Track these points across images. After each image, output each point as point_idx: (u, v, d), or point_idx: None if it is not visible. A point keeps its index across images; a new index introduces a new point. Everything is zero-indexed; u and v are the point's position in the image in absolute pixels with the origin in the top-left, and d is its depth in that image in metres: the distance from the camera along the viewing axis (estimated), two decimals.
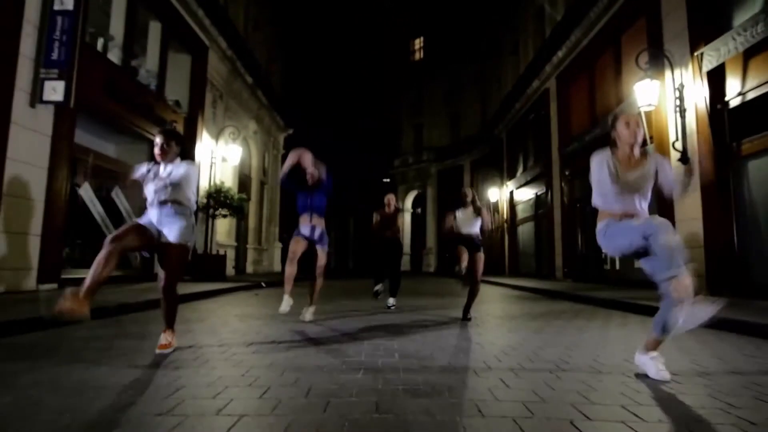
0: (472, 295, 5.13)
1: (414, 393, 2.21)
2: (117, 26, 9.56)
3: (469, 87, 27.06)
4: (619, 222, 2.66)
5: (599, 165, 2.70)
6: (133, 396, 2.11)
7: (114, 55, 9.37)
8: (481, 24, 24.13)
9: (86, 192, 8.50)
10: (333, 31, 30.08)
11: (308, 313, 4.76)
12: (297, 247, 4.71)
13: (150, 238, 3.03)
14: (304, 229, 4.77)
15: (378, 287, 6.66)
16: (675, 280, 2.31)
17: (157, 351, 3.04)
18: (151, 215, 3.10)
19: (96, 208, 8.76)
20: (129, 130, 9.55)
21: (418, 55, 31.49)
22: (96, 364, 2.75)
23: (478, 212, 5.25)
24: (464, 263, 5.01)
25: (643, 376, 2.54)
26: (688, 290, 2.28)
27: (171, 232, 3.07)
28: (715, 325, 4.56)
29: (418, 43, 31.39)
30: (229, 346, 3.36)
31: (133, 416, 1.84)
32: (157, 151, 3.16)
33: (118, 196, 9.41)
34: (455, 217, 5.34)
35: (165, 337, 3.14)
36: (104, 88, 8.48)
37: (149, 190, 3.12)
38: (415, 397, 2.15)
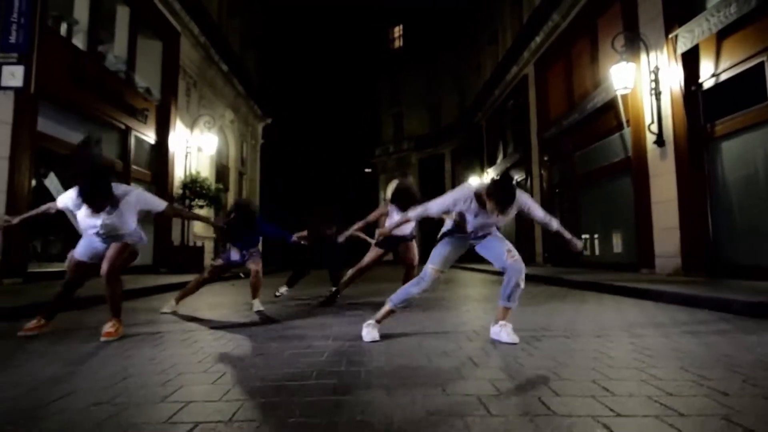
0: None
1: (377, 373, 2.12)
2: (81, 10, 9.17)
3: (449, 75, 26.92)
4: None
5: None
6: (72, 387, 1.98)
7: (79, 40, 9.00)
8: (460, 10, 23.97)
9: (52, 182, 8.19)
10: (311, 17, 29.62)
11: (257, 304, 4.72)
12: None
13: None
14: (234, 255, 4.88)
15: (284, 291, 6.01)
16: None
17: (102, 339, 3.01)
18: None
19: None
20: (98, 118, 9.21)
21: (397, 43, 31.20)
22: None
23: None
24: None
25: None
26: None
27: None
28: (685, 301, 4.61)
29: (398, 30, 31.07)
30: (191, 332, 3.24)
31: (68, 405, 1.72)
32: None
33: None
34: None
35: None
36: (69, 74, 8.14)
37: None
38: (376, 376, 2.07)
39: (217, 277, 4.89)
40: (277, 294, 5.94)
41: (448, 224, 3.11)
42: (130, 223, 3.19)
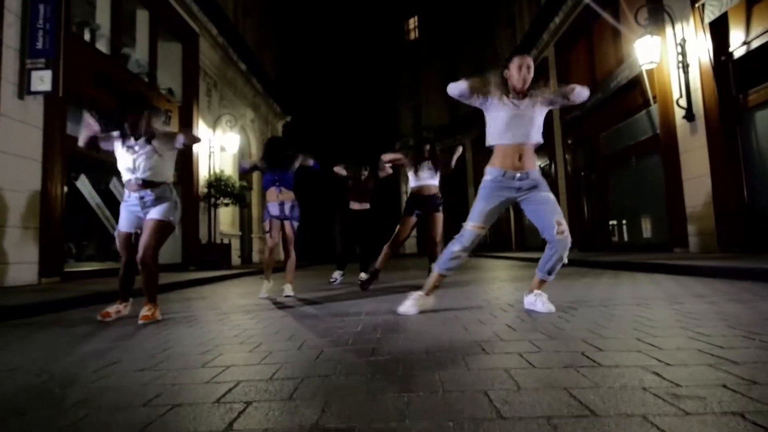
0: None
1: (414, 339, 2.11)
2: (103, 15, 9.37)
3: (468, 62, 26.60)
4: None
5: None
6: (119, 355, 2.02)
7: (102, 45, 9.20)
8: None
9: (83, 184, 8.41)
10: (325, 14, 29.67)
11: (288, 289, 4.59)
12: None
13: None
14: (273, 208, 4.71)
15: (337, 275, 6.07)
16: None
17: (140, 321, 3.06)
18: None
19: (94, 201, 8.67)
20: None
21: (413, 35, 31.01)
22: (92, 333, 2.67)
23: (437, 166, 4.90)
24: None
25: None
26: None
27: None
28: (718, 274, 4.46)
29: (413, 22, 30.88)
30: (226, 314, 3.28)
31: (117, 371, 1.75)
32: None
33: (117, 188, 9.32)
34: (412, 168, 4.90)
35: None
36: (94, 78, 8.34)
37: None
38: (414, 341, 2.05)
39: (279, 237, 4.78)
40: (332, 280, 5.96)
41: (489, 172, 2.92)
42: (166, 162, 3.26)
